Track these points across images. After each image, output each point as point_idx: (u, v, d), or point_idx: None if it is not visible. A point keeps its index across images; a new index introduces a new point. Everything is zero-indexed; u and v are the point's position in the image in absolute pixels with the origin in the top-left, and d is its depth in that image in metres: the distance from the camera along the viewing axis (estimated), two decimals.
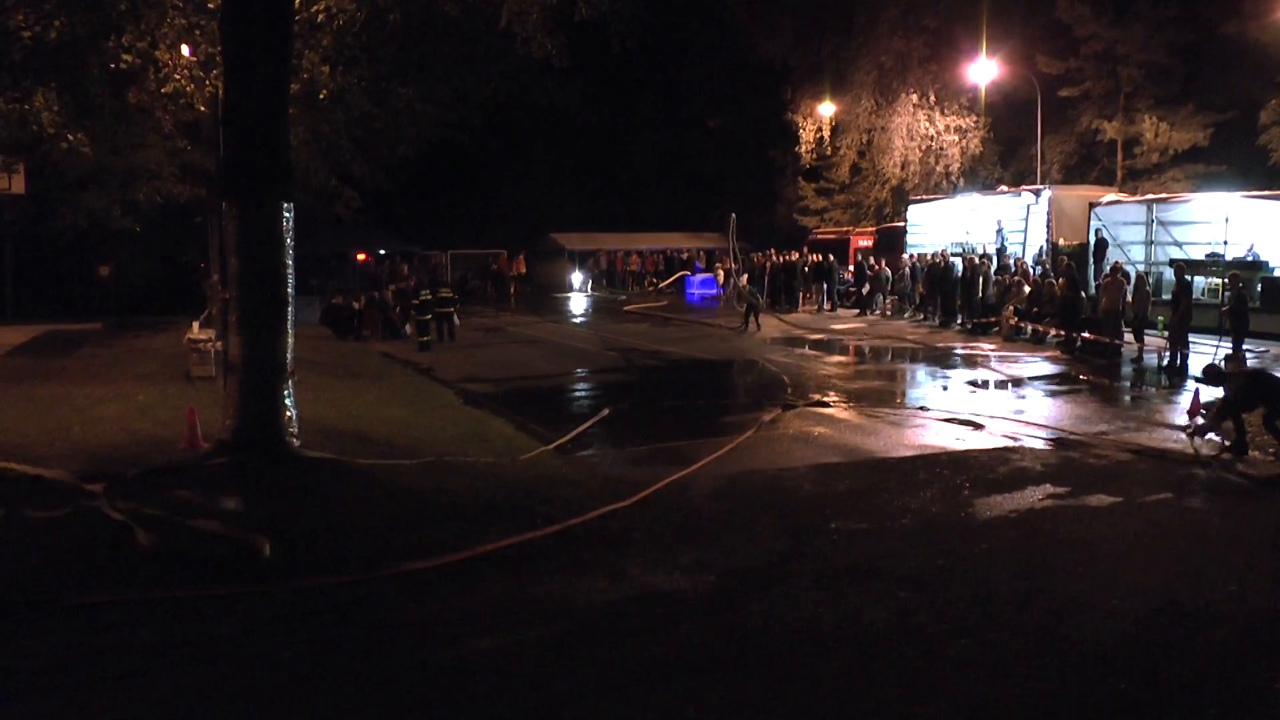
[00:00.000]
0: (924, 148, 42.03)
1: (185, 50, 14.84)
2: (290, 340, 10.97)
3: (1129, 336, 20.45)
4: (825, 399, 15.62)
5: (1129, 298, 21.13)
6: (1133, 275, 21.89)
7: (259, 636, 6.42)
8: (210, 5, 13.14)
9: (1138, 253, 26.83)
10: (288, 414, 10.83)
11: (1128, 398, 16.45)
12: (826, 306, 33.79)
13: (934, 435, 12.96)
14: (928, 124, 41.69)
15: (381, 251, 46.25)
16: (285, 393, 10.83)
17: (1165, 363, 18.82)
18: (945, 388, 17.20)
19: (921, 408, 14.96)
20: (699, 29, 53.92)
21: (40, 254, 29.85)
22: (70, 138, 16.06)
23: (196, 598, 6.95)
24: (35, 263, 30.75)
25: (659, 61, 54.39)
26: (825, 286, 34.32)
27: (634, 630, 6.59)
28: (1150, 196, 28.56)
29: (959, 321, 27.02)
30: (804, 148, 46.21)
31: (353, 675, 5.88)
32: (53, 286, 29.01)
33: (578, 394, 18.04)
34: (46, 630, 6.42)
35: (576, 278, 47.51)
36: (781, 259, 36.65)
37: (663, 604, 7.03)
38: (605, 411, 14.40)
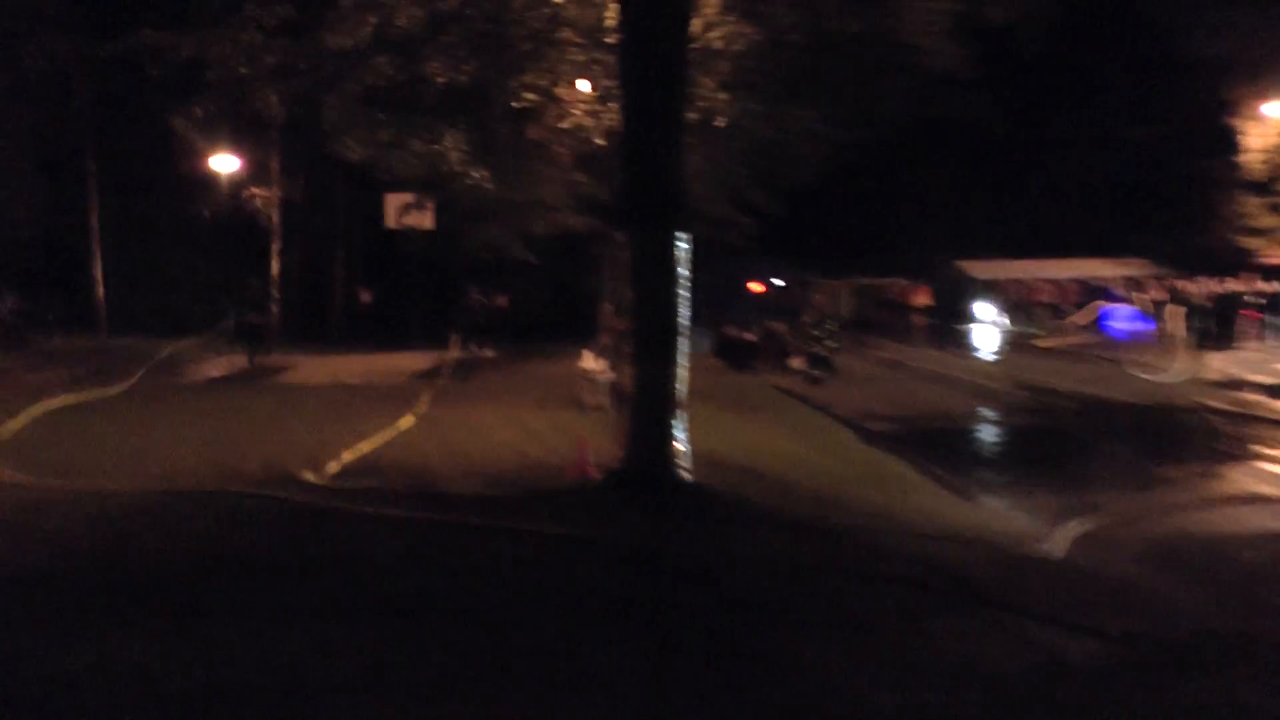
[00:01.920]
0: None
1: (583, 85, 15.36)
2: (683, 371, 10.81)
3: None
4: (1274, 453, 13.64)
5: None
6: None
7: (649, 670, 5.96)
8: (607, 41, 13.43)
9: None
10: (678, 445, 10.64)
11: None
12: (1275, 343, 29.85)
13: None
14: None
15: (779, 281, 46.27)
16: (677, 424, 10.67)
17: None
18: None
19: None
20: (1115, 29, 49.96)
21: (443, 284, 32.54)
22: (474, 174, 17.14)
23: (590, 628, 6.66)
24: (439, 292, 33.59)
25: (1072, 67, 50.89)
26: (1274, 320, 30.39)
27: (1043, 706, 5.61)
28: None
29: None
30: (1248, 156, 41.48)
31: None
32: (453, 314, 31.46)
33: (985, 436, 16.96)
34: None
35: (983, 309, 45.21)
36: (1222, 287, 32.88)
37: (1077, 679, 5.97)
38: (1014, 456, 13.39)
